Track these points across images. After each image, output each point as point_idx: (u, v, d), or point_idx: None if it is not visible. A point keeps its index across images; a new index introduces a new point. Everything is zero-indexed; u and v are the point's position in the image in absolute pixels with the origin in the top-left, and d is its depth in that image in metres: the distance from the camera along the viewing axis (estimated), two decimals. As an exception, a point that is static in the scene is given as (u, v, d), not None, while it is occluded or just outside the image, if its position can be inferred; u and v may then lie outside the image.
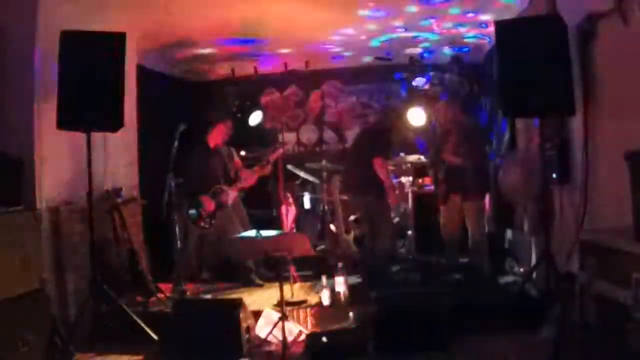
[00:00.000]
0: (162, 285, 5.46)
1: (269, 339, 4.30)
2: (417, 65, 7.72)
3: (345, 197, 6.70)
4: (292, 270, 5.50)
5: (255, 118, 8.09)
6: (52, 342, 3.93)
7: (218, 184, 5.95)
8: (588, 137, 4.09)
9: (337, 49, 7.52)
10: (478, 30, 6.75)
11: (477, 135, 6.01)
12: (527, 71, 4.09)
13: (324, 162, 6.81)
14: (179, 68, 7.90)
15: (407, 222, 7.08)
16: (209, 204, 5.84)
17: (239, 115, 7.97)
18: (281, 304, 4.12)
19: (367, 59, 8.07)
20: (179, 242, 5.53)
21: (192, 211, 5.78)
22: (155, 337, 4.32)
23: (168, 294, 5.36)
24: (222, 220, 5.90)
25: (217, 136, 6.10)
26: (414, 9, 5.95)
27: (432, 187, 6.45)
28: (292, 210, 7.04)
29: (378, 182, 5.69)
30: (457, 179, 5.56)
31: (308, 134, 8.59)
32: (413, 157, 7.33)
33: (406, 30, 6.69)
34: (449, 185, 5.73)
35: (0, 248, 3.50)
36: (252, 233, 4.42)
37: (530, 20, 4.54)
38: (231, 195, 6.00)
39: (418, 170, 7.32)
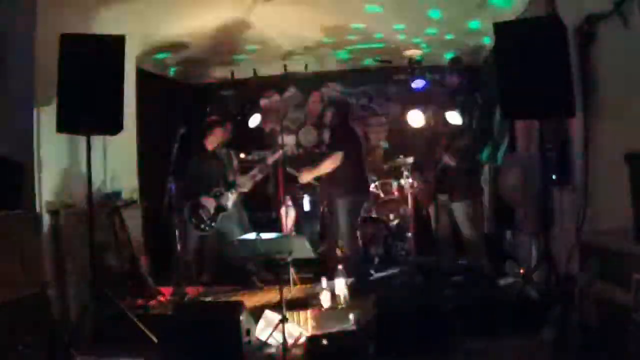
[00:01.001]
0: (162, 288, 5.45)
1: (269, 341, 4.30)
2: (415, 68, 7.71)
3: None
4: (292, 273, 5.49)
5: (255, 120, 8.08)
6: (53, 345, 3.93)
7: (217, 187, 5.95)
8: (588, 138, 4.09)
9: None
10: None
11: (466, 138, 6.02)
12: (527, 73, 4.09)
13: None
14: (178, 71, 7.89)
15: (407, 223, 7.07)
16: (210, 203, 5.84)
17: (238, 117, 7.95)
18: (281, 306, 4.12)
19: (367, 61, 8.07)
20: (179, 245, 5.52)
21: (193, 220, 5.79)
22: (155, 340, 4.31)
23: (168, 297, 5.36)
24: (222, 223, 5.90)
25: (215, 139, 6.09)
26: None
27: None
28: (292, 212, 7.03)
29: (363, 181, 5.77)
30: (444, 180, 5.61)
31: (307, 136, 8.57)
32: (413, 159, 7.31)
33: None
34: (435, 186, 5.76)
35: (1, 251, 3.50)
36: (252, 235, 4.42)
37: (529, 22, 4.53)
38: (231, 198, 6.00)
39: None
